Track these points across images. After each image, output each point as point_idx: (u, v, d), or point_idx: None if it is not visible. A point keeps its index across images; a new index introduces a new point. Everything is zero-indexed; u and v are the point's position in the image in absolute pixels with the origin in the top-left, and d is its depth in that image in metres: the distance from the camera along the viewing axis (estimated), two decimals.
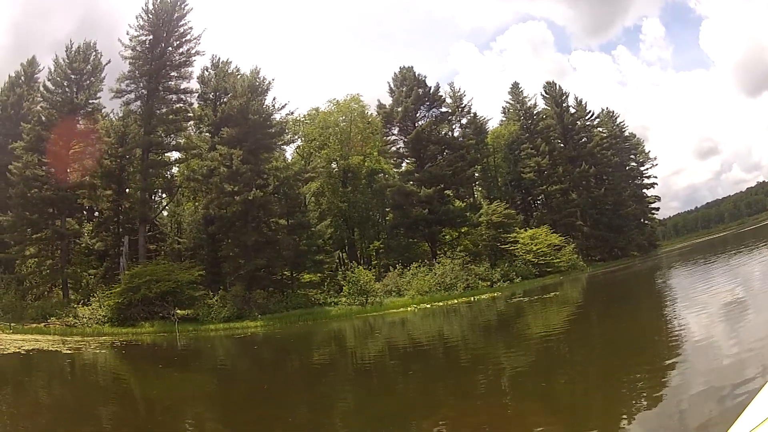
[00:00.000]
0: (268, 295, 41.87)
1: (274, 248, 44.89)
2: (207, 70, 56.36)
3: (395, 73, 62.88)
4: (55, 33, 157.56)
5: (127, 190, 49.16)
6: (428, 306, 39.97)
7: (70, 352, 25.73)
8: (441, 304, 40.51)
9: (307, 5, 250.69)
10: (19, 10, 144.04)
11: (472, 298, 41.93)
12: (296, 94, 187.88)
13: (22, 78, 50.83)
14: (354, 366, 18.97)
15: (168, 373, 20.69)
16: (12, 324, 34.13)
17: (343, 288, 43.34)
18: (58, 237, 43.66)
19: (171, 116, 48.38)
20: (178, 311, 38.97)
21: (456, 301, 41.24)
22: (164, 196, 57.36)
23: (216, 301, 39.38)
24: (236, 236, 45.54)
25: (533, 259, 54.48)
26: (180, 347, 29.73)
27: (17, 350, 25.39)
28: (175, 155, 52.51)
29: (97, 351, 26.74)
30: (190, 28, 48.79)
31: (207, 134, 50.66)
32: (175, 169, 55.70)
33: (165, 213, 59.39)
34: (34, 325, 34.74)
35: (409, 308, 39.76)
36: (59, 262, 43.33)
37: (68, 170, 44.51)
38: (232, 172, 43.93)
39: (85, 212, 53.82)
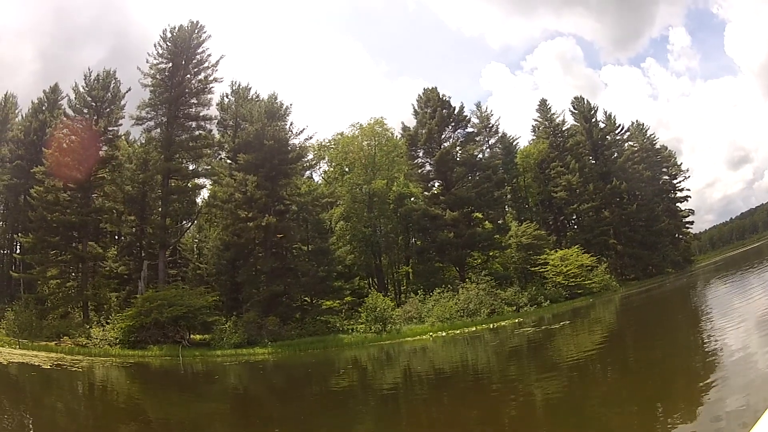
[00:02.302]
0: (282, 321, 41.05)
1: (294, 274, 44.66)
2: (227, 97, 56.96)
3: (419, 95, 61.92)
4: (85, 60, 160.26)
5: (153, 216, 49.19)
6: (444, 334, 38.72)
7: (48, 368, 26.76)
8: (458, 331, 39.06)
9: (335, 31, 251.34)
10: (47, 38, 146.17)
11: (491, 326, 40.36)
12: (326, 120, 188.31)
13: (45, 105, 51.17)
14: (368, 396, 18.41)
15: (102, 395, 21.31)
16: (22, 340, 34.80)
17: (361, 315, 42.30)
18: (78, 260, 44.17)
19: (191, 143, 48.49)
20: (193, 336, 39.51)
21: (474, 329, 39.71)
22: (188, 221, 56.88)
23: (228, 326, 39.02)
24: (254, 262, 45.38)
25: (563, 282, 52.52)
26: (163, 371, 30.50)
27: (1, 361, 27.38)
28: (200, 181, 53.61)
29: (75, 369, 27.49)
30: (209, 55, 49.28)
31: (228, 160, 50.55)
32: (204, 194, 56.42)
33: (193, 237, 59.56)
34: (45, 343, 35.09)
35: (424, 336, 38.60)
36: (80, 285, 43.75)
37: (90, 195, 45.36)
38: (246, 198, 43.83)
39: (116, 237, 54.41)
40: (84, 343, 35.80)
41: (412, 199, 61.13)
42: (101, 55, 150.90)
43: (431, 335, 38.50)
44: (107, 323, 37.97)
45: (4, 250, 52.82)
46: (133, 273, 47.83)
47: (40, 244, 42.82)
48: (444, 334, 38.63)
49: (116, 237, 54.21)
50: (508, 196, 70.88)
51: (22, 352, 32.43)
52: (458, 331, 39.01)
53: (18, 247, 48.36)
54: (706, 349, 15.38)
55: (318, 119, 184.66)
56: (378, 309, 41.13)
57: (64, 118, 46.47)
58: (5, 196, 51.29)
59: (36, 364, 27.94)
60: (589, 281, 53.38)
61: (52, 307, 42.38)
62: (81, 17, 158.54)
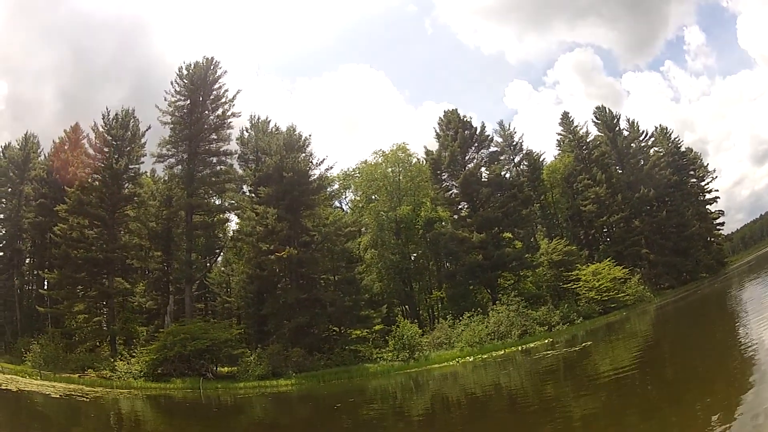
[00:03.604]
0: (309, 352, 40.70)
1: (321, 305, 44.41)
2: (247, 131, 57.62)
3: (440, 117, 61.10)
4: (106, 99, 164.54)
5: (178, 251, 49.73)
6: (471, 359, 37.85)
7: (56, 397, 27.92)
8: (486, 356, 38.00)
9: (356, 61, 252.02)
10: (68, 78, 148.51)
11: (520, 348, 39.26)
12: (354, 151, 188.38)
13: (67, 144, 51.64)
14: None
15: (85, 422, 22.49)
16: (44, 372, 35.50)
17: (389, 343, 41.61)
18: (105, 296, 45.17)
19: (213, 178, 49.08)
20: (221, 369, 40.16)
21: (503, 351, 38.69)
22: (213, 256, 56.99)
23: (253, 359, 39.17)
24: (280, 294, 45.10)
25: (596, 297, 50.97)
26: (174, 402, 31.37)
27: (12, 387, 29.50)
28: (226, 215, 53.58)
29: (82, 399, 28.26)
30: (225, 90, 50.07)
31: (251, 194, 50.73)
32: (233, 228, 56.87)
33: (220, 271, 59.98)
34: (68, 375, 35.87)
35: (452, 362, 37.92)
36: (107, 319, 44.88)
37: (115, 232, 45.89)
38: (268, 231, 43.86)
39: (146, 272, 54.59)
40: (108, 375, 36.32)
41: (443, 223, 60.22)
42: (123, 93, 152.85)
43: (458, 361, 37.84)
44: (133, 356, 38.49)
45: (31, 286, 53.25)
46: (162, 307, 48.68)
47: (65, 280, 43.47)
48: (471, 359, 37.82)
49: (146, 272, 54.53)
50: (538, 214, 69.69)
51: (41, 382, 33.07)
52: (486, 356, 38.05)
53: (46, 283, 48.46)
54: (745, 355, 15.30)
55: (346, 151, 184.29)
56: (405, 336, 40.57)
57: (84, 158, 47.11)
58: (31, 234, 51.71)
59: (47, 393, 28.82)
60: (622, 294, 51.81)
61: (79, 341, 43.29)
62: (100, 57, 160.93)
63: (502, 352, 38.55)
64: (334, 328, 45.60)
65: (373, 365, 39.18)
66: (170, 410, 28.43)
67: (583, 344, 32.54)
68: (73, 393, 29.77)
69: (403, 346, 40.28)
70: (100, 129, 46.99)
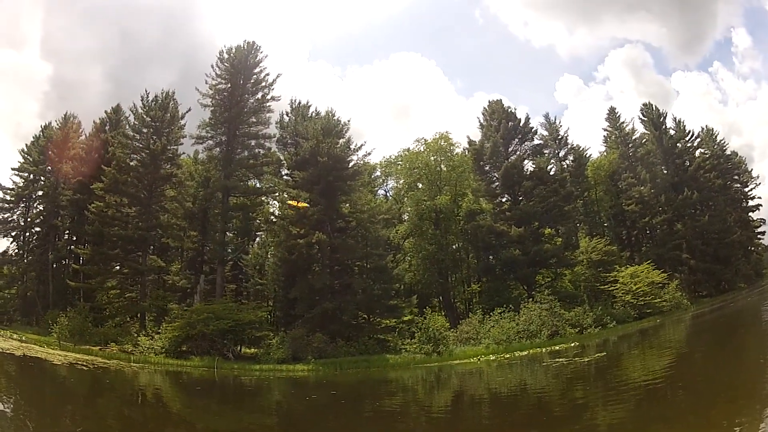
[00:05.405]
0: (332, 338, 40.49)
1: (351, 291, 44.27)
2: (287, 115, 58.17)
3: (484, 108, 60.42)
4: (155, 82, 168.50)
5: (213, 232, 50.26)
6: (493, 357, 36.98)
7: (57, 364, 29.17)
8: (508, 355, 37.04)
9: (406, 47, 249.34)
10: (116, 60, 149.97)
11: (544, 349, 37.98)
12: (400, 137, 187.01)
13: (108, 124, 52.31)
14: None
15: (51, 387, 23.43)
16: (64, 343, 36.81)
17: (415, 335, 40.83)
18: (137, 273, 46.21)
19: (250, 161, 49.55)
20: (246, 350, 40.87)
21: (527, 352, 37.57)
22: (249, 237, 57.60)
23: (275, 342, 39.63)
24: (310, 278, 44.86)
25: (632, 300, 49.19)
26: (176, 379, 31.76)
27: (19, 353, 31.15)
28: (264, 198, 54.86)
29: (83, 368, 29.06)
30: (266, 74, 50.63)
31: (288, 178, 50.98)
32: (275, 211, 57.10)
33: (256, 253, 60.20)
34: (88, 347, 36.91)
35: (474, 359, 37.10)
36: (138, 296, 45.89)
37: (151, 211, 46.92)
38: (299, 215, 44.06)
39: (183, 251, 56.08)
40: (129, 350, 37.13)
41: (485, 215, 57.87)
42: (172, 76, 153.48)
43: (479, 358, 37.05)
44: (158, 333, 39.34)
45: (66, 261, 54.43)
46: (194, 286, 49.01)
47: (98, 256, 45.09)
48: (493, 357, 36.95)
49: (182, 251, 56.07)
50: (580, 211, 68.24)
51: (56, 352, 34.17)
52: (509, 355, 37.14)
53: (81, 259, 50.08)
54: None
55: (396, 140, 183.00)
56: (431, 329, 39.96)
57: (122, 138, 48.19)
58: (70, 211, 52.46)
59: (50, 360, 30.08)
60: (659, 300, 49.77)
61: (109, 315, 44.45)
62: (149, 40, 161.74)
63: (527, 353, 37.61)
64: (363, 316, 45.44)
65: (393, 356, 38.83)
66: (161, 385, 29.13)
67: (610, 351, 32.55)
68: (79, 363, 30.48)
69: (428, 338, 39.66)
70: (140, 111, 48.05)
